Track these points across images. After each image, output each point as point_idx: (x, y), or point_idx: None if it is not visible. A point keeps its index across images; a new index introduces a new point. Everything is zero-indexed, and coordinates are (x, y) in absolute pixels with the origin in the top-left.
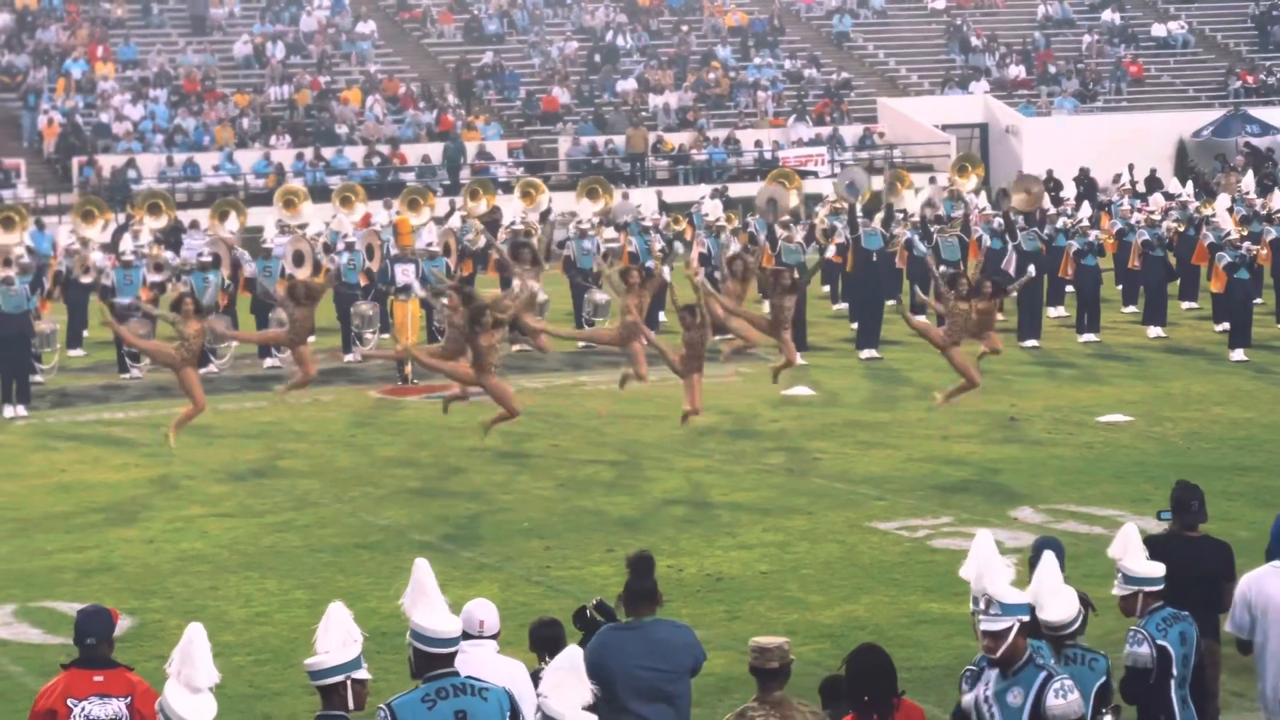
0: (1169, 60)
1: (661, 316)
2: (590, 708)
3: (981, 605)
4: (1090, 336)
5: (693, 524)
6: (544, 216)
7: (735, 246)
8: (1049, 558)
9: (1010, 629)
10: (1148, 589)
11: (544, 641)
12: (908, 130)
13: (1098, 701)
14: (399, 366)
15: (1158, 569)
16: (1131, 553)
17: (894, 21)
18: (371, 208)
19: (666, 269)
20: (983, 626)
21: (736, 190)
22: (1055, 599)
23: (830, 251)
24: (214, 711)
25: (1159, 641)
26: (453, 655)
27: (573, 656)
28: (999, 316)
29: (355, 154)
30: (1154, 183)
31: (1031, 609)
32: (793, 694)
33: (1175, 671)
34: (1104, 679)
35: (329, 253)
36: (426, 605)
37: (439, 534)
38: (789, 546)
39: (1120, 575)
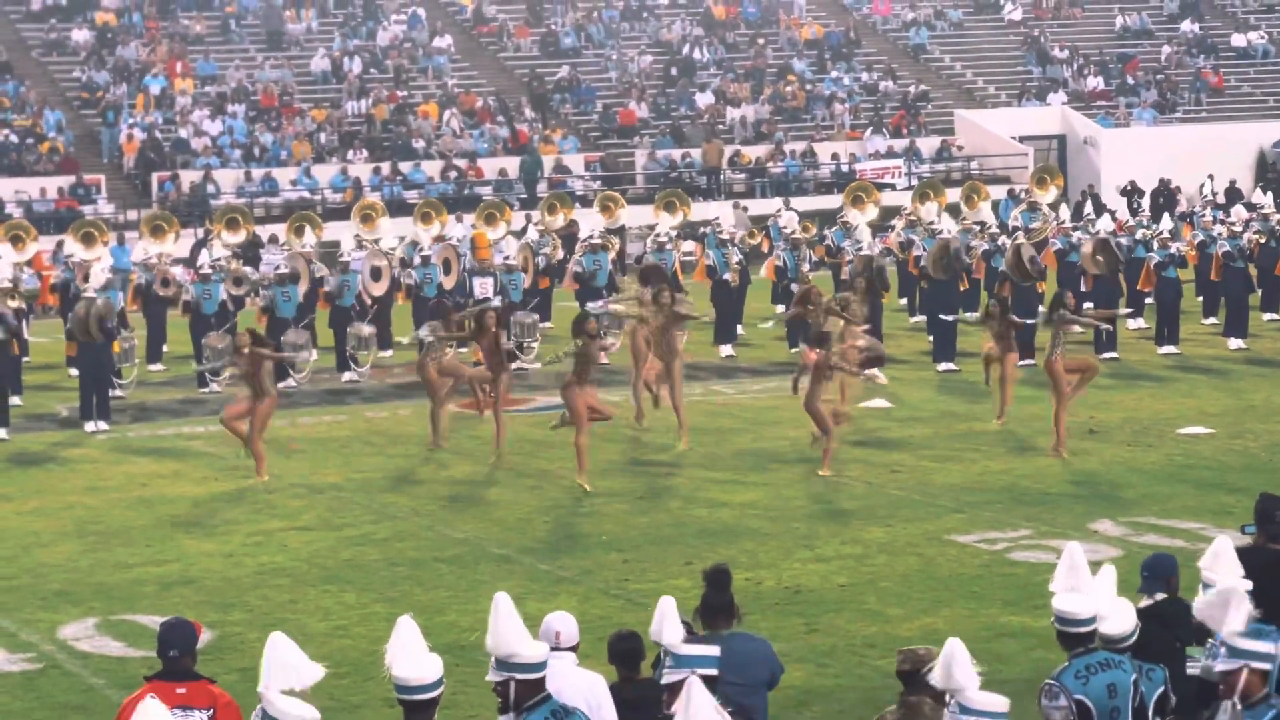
0: (1249, 70)
1: (740, 329)
2: None
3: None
4: (1170, 349)
5: (770, 537)
6: (619, 232)
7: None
8: (1105, 570)
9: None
10: None
11: (623, 654)
12: (985, 142)
13: (1157, 710)
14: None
15: (1241, 582)
16: (1218, 565)
17: (971, 33)
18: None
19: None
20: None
21: (810, 203)
22: (1110, 613)
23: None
24: (317, 715)
25: None
26: (544, 680)
27: None
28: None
29: (432, 168)
30: (1234, 194)
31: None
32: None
33: None
34: (1162, 689)
35: (406, 267)
36: (519, 636)
37: (517, 547)
38: (867, 559)
39: (1202, 585)
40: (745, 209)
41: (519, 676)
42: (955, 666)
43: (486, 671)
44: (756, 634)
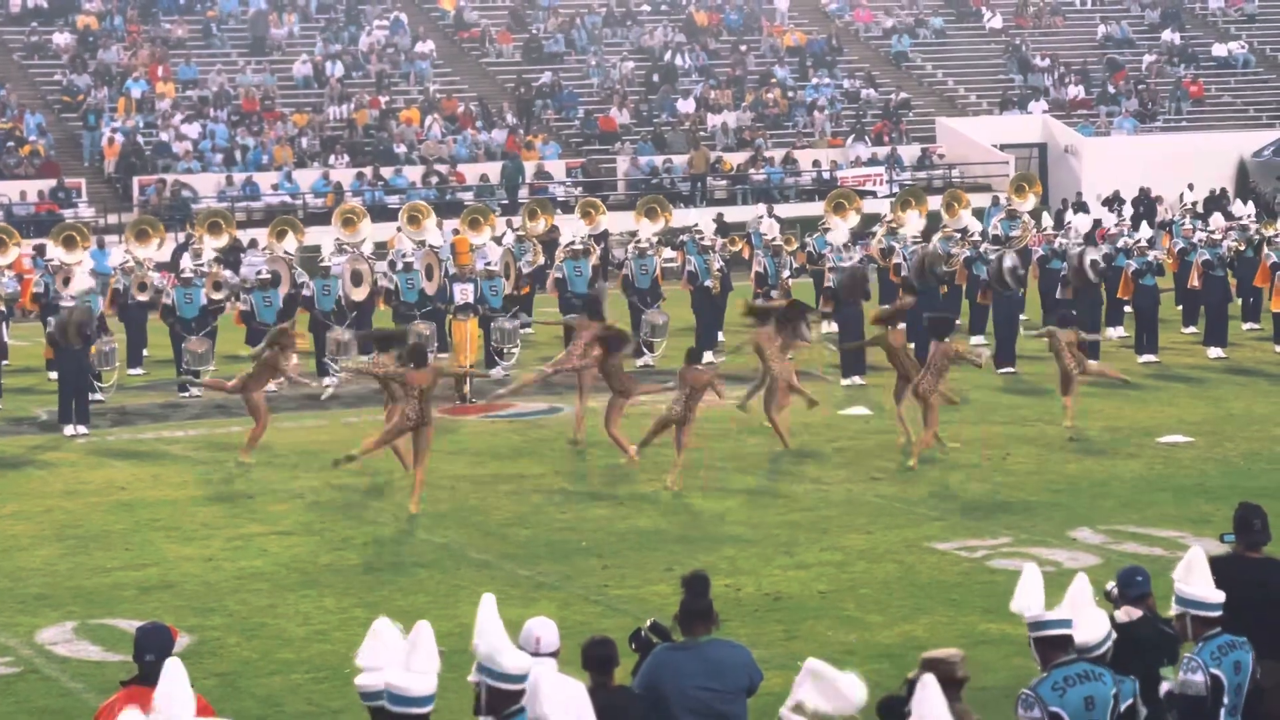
0: (1229, 80)
1: (720, 336)
2: None
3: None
4: (1150, 357)
5: (750, 543)
6: (601, 237)
7: (794, 265)
8: (1079, 580)
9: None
10: (1194, 612)
11: (596, 660)
12: (966, 150)
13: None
14: (458, 385)
15: (1212, 595)
16: (1190, 576)
17: (952, 41)
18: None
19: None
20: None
21: (792, 211)
22: (1082, 622)
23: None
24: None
25: (1212, 670)
26: (524, 692)
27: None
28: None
29: (414, 173)
30: (1214, 202)
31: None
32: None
33: (1226, 700)
34: (1130, 701)
35: (392, 271)
36: (499, 642)
37: (497, 552)
38: (847, 566)
39: (1175, 598)
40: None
41: (489, 682)
42: (540, 698)
43: (463, 677)
44: (736, 640)
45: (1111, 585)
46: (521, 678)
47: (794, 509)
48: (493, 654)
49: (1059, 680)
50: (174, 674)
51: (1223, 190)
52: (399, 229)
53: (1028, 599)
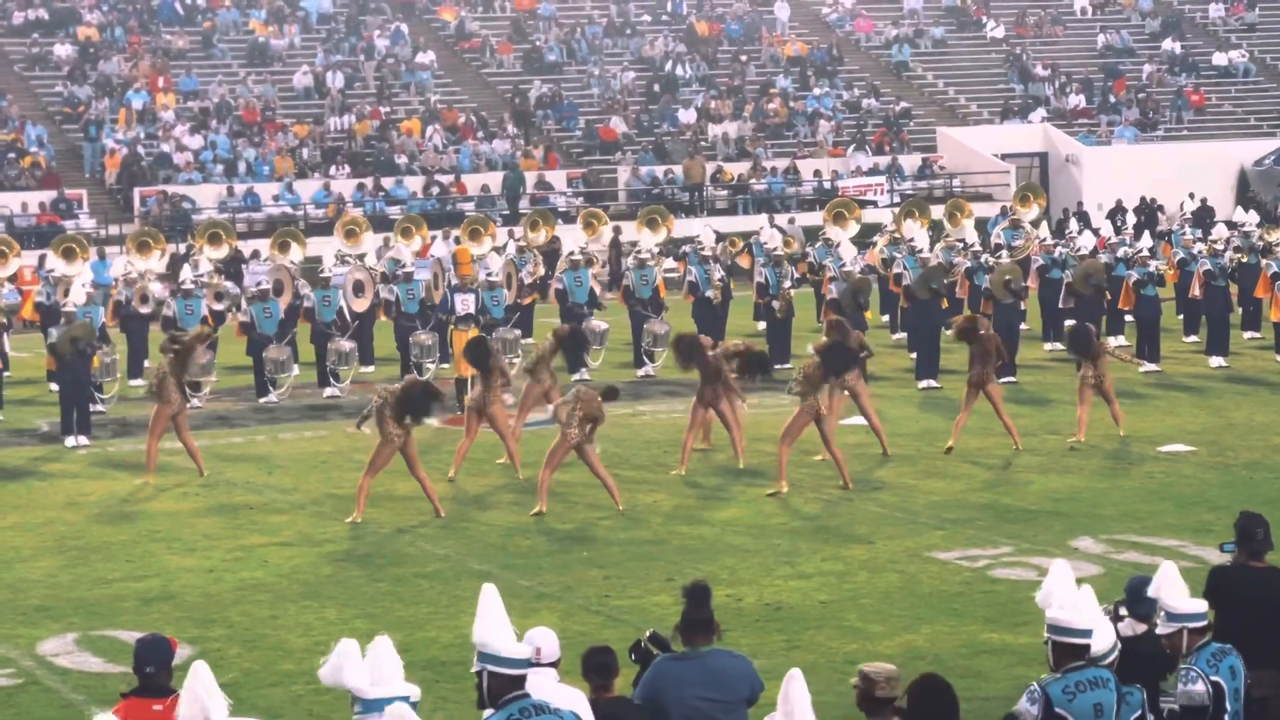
0: (1230, 89)
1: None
2: None
3: None
4: (1151, 366)
5: (751, 553)
6: (613, 246)
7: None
8: (1085, 590)
9: None
10: (1192, 625)
11: (596, 668)
12: (967, 160)
13: None
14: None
15: (1200, 605)
16: (1172, 590)
17: (953, 51)
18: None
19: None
20: None
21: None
22: (1096, 630)
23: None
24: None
25: (1212, 678)
26: (524, 678)
27: None
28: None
29: (415, 184)
30: (1206, 212)
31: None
32: None
33: (1229, 706)
34: (1139, 712)
35: (389, 282)
36: (497, 629)
37: (498, 563)
38: (848, 576)
39: (1163, 613)
40: (792, 220)
41: (490, 668)
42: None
43: (463, 690)
44: (737, 651)
45: (1117, 601)
46: (520, 663)
47: (795, 519)
48: (489, 640)
49: (1070, 685)
50: (202, 676)
51: (1204, 200)
52: (385, 239)
53: (1059, 596)
